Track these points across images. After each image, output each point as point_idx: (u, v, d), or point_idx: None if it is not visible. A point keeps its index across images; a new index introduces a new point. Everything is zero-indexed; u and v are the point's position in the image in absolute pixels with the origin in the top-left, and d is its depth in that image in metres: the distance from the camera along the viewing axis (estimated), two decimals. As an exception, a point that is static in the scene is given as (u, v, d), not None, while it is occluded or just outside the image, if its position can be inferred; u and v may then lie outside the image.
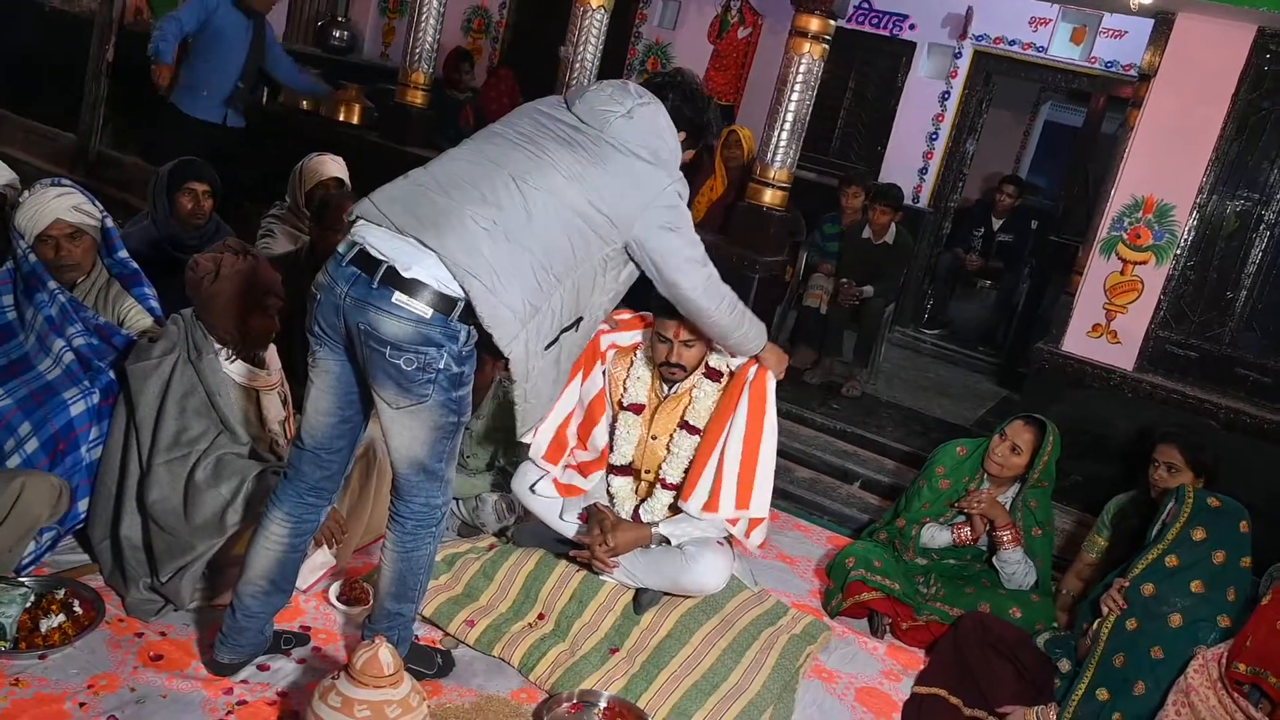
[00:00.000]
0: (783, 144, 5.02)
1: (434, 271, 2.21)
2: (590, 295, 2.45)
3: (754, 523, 3.16)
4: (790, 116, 4.97)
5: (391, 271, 2.21)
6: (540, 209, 2.30)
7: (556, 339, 2.39)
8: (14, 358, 2.95)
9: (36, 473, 2.71)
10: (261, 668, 2.63)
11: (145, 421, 2.77)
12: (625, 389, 3.25)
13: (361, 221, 2.29)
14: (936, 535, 3.69)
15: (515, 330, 2.27)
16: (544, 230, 2.30)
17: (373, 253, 2.24)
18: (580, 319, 2.46)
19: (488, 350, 2.35)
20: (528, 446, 3.58)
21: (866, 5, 7.42)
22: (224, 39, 5.71)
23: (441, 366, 2.26)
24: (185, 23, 5.63)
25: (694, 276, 2.58)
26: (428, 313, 2.21)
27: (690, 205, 5.73)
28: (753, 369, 3.12)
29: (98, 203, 3.19)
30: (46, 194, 3.07)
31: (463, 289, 2.21)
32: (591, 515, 3.20)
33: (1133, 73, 6.19)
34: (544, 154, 2.37)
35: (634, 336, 3.29)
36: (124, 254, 3.33)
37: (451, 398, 2.31)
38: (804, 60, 4.91)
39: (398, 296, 2.21)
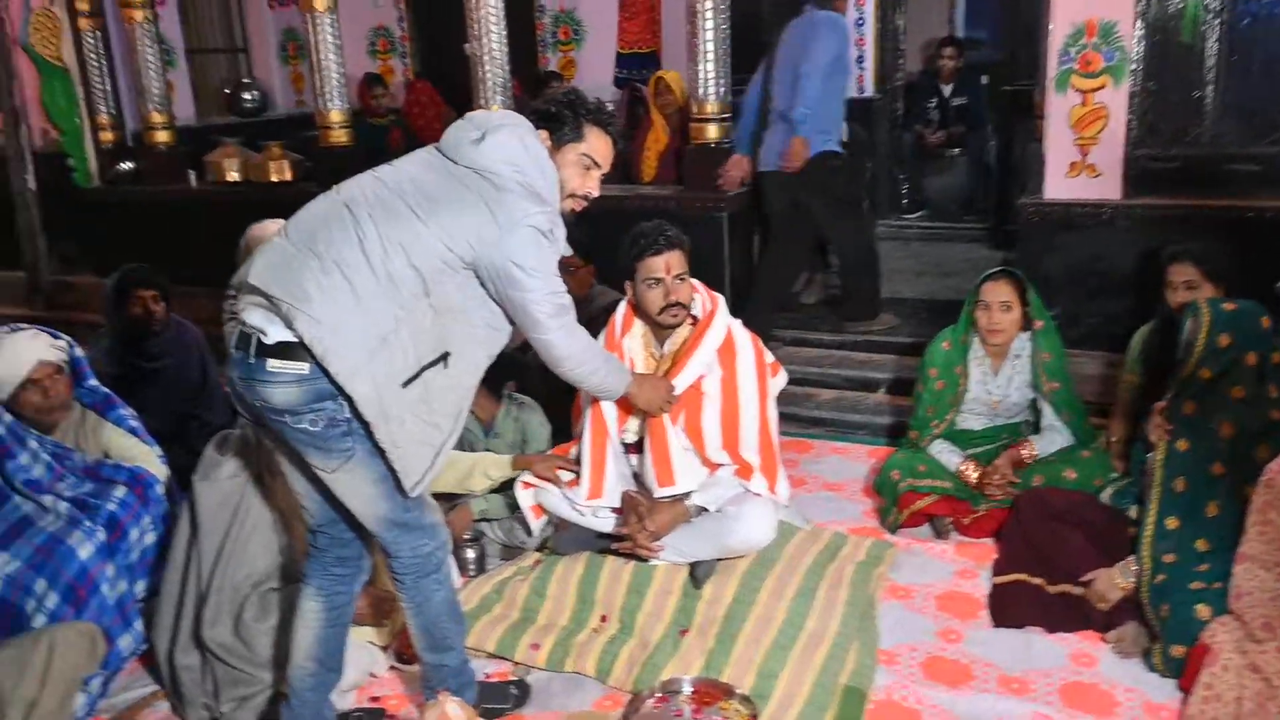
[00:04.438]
0: (711, 75, 4.87)
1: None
2: (454, 327, 2.27)
3: (769, 475, 3.09)
4: (710, 45, 4.82)
5: (260, 341, 2.15)
6: (380, 237, 2.18)
7: (418, 375, 2.21)
8: (13, 520, 2.83)
9: (63, 625, 2.63)
10: (342, 751, 2.58)
11: (208, 547, 2.70)
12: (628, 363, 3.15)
13: (244, 298, 2.23)
14: (948, 457, 3.56)
15: (357, 363, 2.12)
16: (384, 259, 2.17)
17: (245, 329, 2.18)
18: (447, 354, 2.26)
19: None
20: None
21: (759, -91, 7.20)
22: (843, 62, 5.03)
23: (348, 415, 2.17)
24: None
25: (550, 319, 2.39)
26: (305, 368, 2.13)
27: (638, 162, 5.68)
28: (717, 333, 3.07)
29: (61, 334, 3.15)
30: (17, 339, 3.00)
31: (292, 327, 2.11)
32: (625, 504, 3.12)
33: (1039, -101, 5.99)
34: (395, 188, 2.26)
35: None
36: (93, 381, 3.28)
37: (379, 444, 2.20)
38: (708, -16, 4.74)
39: (271, 363, 2.14)
